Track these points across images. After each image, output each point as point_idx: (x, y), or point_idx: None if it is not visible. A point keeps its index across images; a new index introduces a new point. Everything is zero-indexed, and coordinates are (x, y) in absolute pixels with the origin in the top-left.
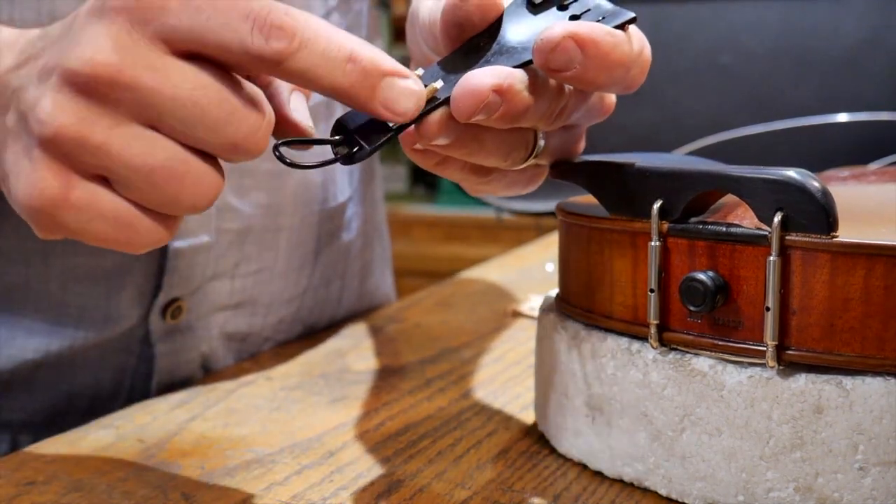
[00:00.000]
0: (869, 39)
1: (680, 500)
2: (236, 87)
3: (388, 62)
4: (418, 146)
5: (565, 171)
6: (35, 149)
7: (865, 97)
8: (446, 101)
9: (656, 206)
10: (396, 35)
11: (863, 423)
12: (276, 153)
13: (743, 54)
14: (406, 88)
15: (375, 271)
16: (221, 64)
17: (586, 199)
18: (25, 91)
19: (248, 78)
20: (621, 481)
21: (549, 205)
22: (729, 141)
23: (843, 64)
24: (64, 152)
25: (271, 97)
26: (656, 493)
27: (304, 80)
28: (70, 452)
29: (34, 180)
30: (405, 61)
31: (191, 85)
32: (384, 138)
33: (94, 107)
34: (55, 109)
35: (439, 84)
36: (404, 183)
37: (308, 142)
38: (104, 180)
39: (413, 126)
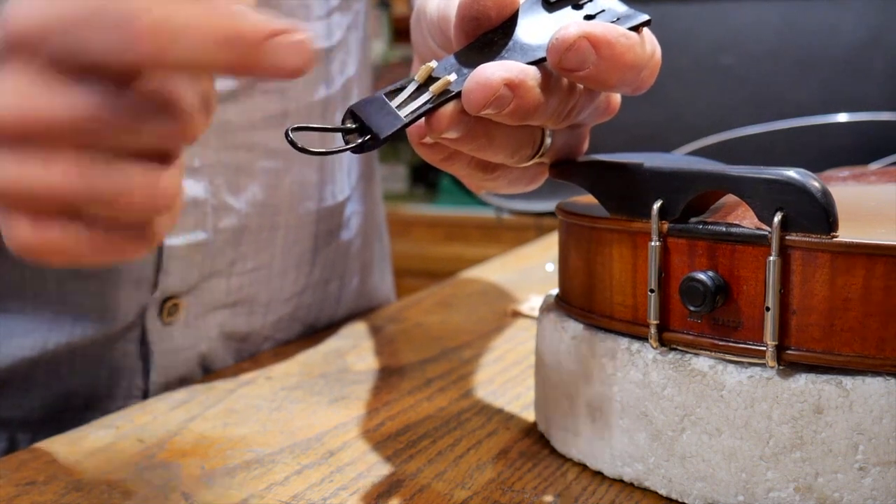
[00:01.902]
0: (869, 39)
1: (680, 500)
2: (136, 95)
3: (266, 25)
4: (427, 140)
5: (565, 170)
6: None
7: (865, 97)
8: (458, 95)
9: (656, 206)
10: (396, 35)
11: (863, 423)
12: (288, 138)
13: (743, 54)
14: (289, 44)
15: (375, 271)
16: (114, 76)
17: (586, 199)
18: None
19: None
20: (621, 481)
21: (549, 205)
22: (729, 141)
23: (843, 64)
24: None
25: None
26: (656, 493)
27: (190, 71)
28: (70, 452)
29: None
30: (407, 60)
31: (84, 105)
32: (397, 127)
33: (20, 155)
34: None
35: (452, 77)
36: (404, 183)
37: (320, 129)
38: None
39: (424, 119)
